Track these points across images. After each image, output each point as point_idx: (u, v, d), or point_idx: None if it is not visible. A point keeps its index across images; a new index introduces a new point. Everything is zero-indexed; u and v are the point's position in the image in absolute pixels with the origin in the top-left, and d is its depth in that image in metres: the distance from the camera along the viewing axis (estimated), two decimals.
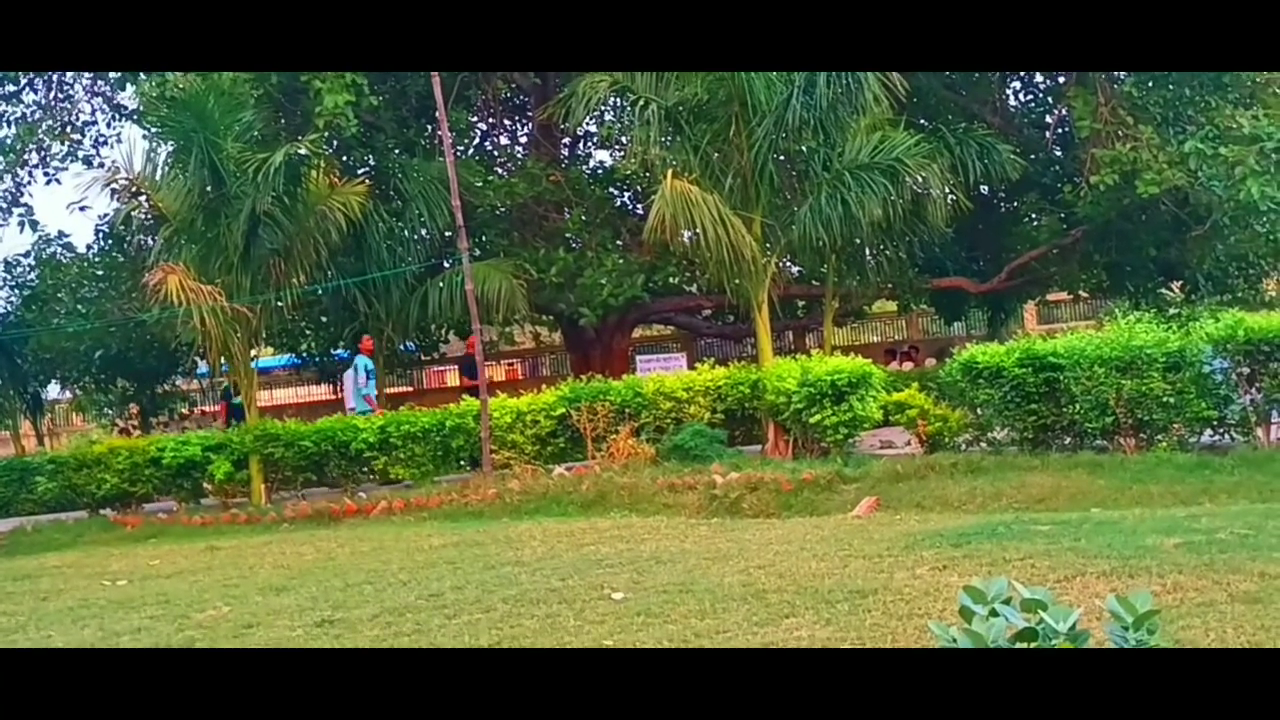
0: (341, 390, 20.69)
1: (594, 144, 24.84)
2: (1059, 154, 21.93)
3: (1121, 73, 19.86)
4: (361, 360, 18.21)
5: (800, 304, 23.22)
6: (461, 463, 15.47)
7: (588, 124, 21.70)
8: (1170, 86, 19.11)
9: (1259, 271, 21.98)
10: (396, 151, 20.11)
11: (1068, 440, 11.94)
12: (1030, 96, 23.77)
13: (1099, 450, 11.58)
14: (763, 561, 7.87)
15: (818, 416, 12.80)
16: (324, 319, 21.90)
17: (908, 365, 20.96)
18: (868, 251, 18.58)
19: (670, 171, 14.43)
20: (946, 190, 16.92)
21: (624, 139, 20.90)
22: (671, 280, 21.49)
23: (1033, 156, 20.83)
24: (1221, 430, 11.40)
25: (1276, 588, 5.60)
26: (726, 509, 11.50)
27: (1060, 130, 21.67)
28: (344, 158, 19.50)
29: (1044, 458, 11.44)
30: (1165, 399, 11.10)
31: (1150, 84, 19.26)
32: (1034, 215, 22.44)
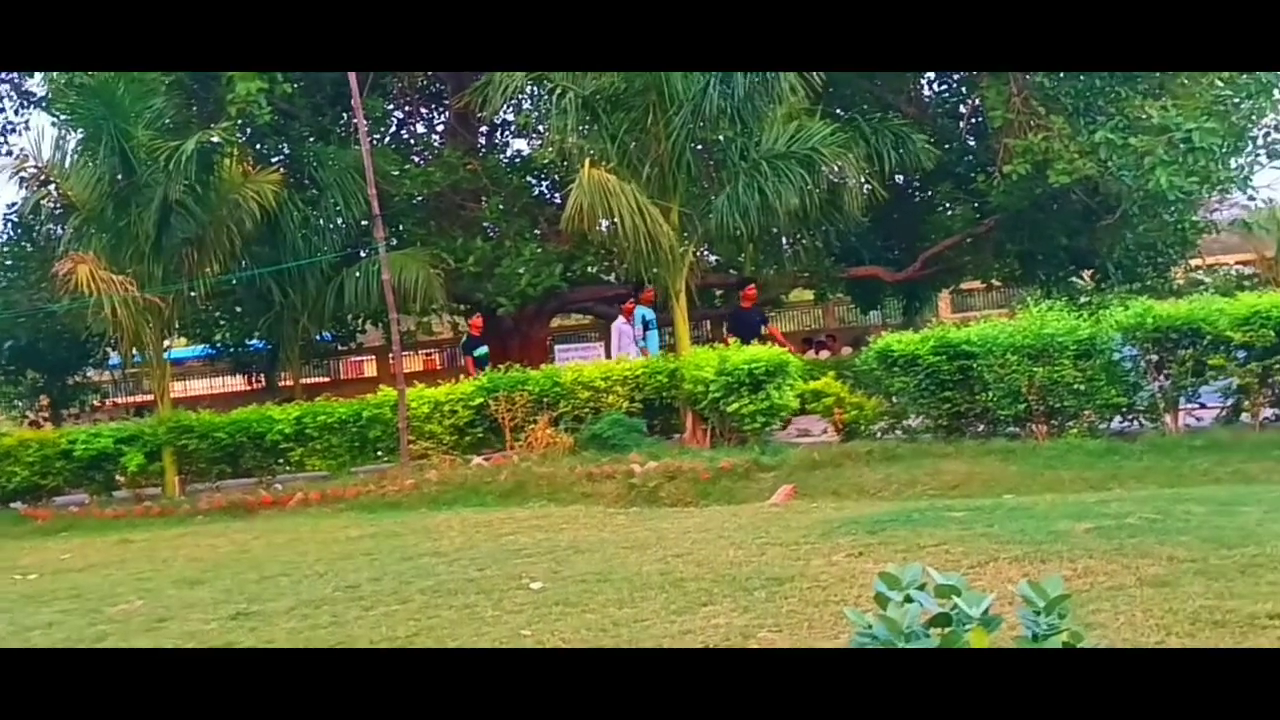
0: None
1: (511, 132, 24.74)
2: (973, 144, 22.20)
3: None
4: (641, 311, 17.63)
5: (718, 293, 23.29)
6: (379, 454, 15.34)
7: (505, 112, 21.59)
8: (1081, 78, 19.39)
9: (1167, 260, 22.39)
10: (311, 139, 19.86)
11: (981, 427, 12.10)
12: (944, 87, 24.01)
13: (1012, 437, 11.74)
14: (680, 550, 7.87)
15: (735, 405, 12.85)
16: (238, 309, 21.57)
17: (824, 354, 21.14)
18: (784, 241, 18.71)
19: (588, 160, 14.39)
20: (862, 179, 17.05)
21: (541, 127, 20.84)
22: (590, 269, 21.48)
23: (947, 146, 21.05)
24: (1131, 416, 11.61)
25: (1184, 571, 5.70)
26: (645, 498, 11.51)
27: (974, 120, 21.94)
28: (257, 146, 19.21)
29: (958, 445, 11.58)
30: (1076, 386, 11.28)
31: (1061, 75, 19.55)
32: (948, 204, 22.72)
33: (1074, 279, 21.57)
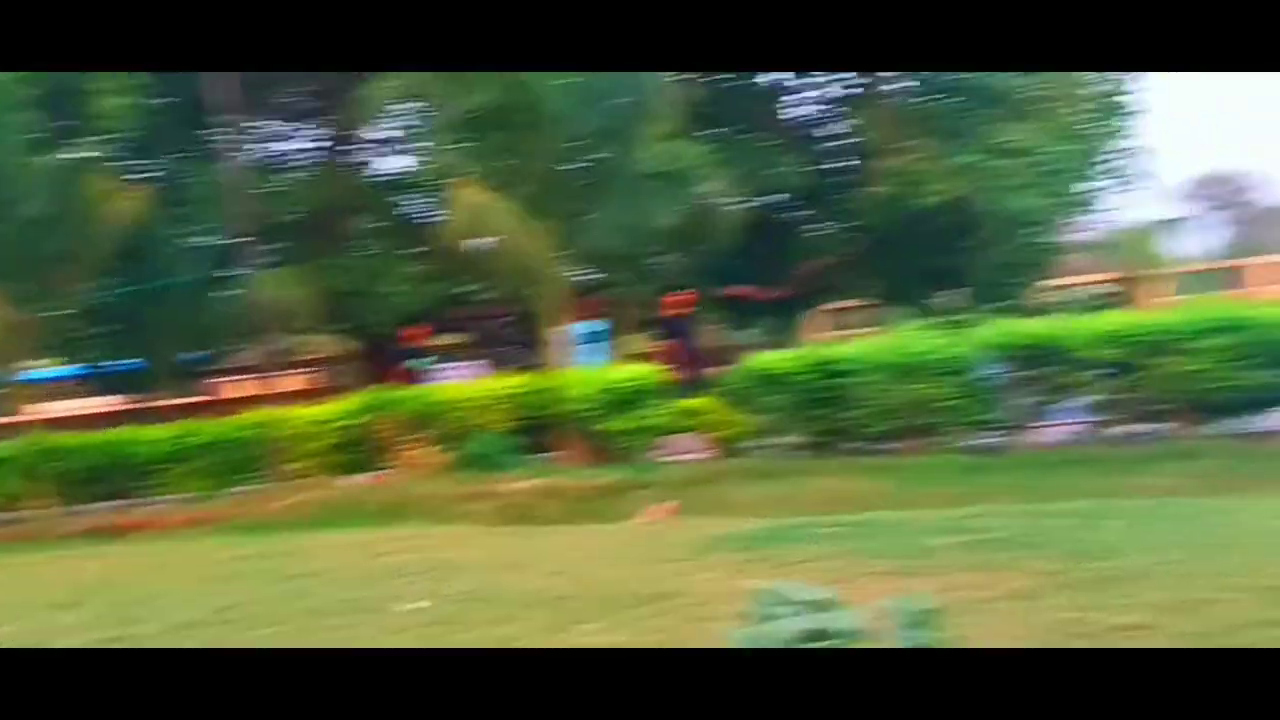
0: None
1: (388, 149, 24.49)
2: (843, 165, 22.58)
3: (901, 87, 20.65)
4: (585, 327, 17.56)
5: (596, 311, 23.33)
6: (255, 474, 15.03)
7: (381, 128, 21.38)
8: (948, 102, 19.93)
9: (1029, 279, 23.03)
10: (181, 155, 19.41)
11: (852, 444, 12.30)
12: (816, 108, 24.40)
13: (883, 453, 11.96)
14: (559, 568, 7.86)
15: (613, 423, 12.89)
16: (109, 328, 20.96)
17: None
18: (659, 258, 18.79)
19: (465, 179, 14.31)
20: (735, 199, 17.24)
21: (419, 145, 20.68)
22: (467, 288, 21.33)
23: (818, 167, 21.40)
24: (996, 432, 11.91)
25: (1046, 583, 5.87)
26: (523, 516, 11.47)
27: (844, 141, 22.33)
28: (126, 161, 18.73)
29: (830, 461, 11.76)
30: (943, 403, 11.55)
31: (928, 99, 20.05)
32: (820, 224, 23.07)
33: (940, 298, 22.05)
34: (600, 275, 20.66)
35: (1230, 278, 40.87)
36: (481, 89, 15.01)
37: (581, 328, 17.08)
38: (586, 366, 15.93)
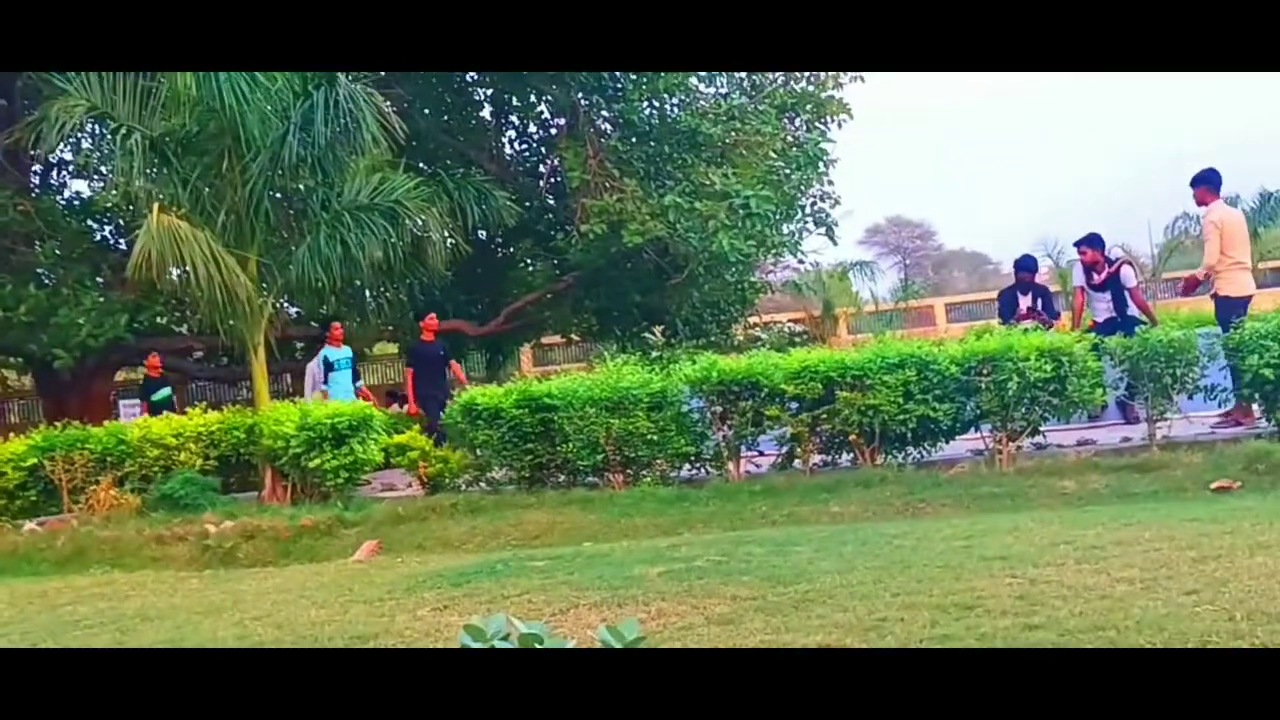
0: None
1: (70, 173, 23.26)
2: (552, 202, 22.94)
3: (608, 128, 21.17)
4: (325, 352, 16.67)
5: (299, 346, 22.80)
6: None
7: (62, 150, 20.29)
8: (652, 143, 20.55)
9: (729, 317, 23.96)
10: None
11: (562, 477, 12.42)
12: (525, 146, 24.71)
13: (591, 486, 12.13)
14: (260, 612, 7.64)
15: (317, 461, 12.60)
16: None
17: (409, 407, 21.07)
18: (368, 293, 18.58)
19: (157, 205, 13.69)
20: (446, 234, 17.22)
21: (105, 169, 19.73)
22: (159, 320, 20.50)
23: (528, 204, 21.67)
24: (698, 465, 12.25)
25: (746, 609, 6.11)
26: (221, 559, 11.06)
27: (553, 179, 22.69)
28: None
29: (540, 495, 11.84)
30: (649, 436, 11.81)
31: (634, 140, 20.62)
32: (529, 261, 23.35)
33: (647, 334, 22.64)
34: (306, 308, 20.25)
35: (916, 316, 43.69)
36: (176, 112, 14.47)
37: (334, 354, 16.58)
38: (336, 396, 15.51)
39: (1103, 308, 13.47)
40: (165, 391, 17.92)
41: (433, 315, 17.48)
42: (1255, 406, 11.42)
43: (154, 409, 17.04)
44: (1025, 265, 14.79)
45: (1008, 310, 14.23)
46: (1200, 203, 12.37)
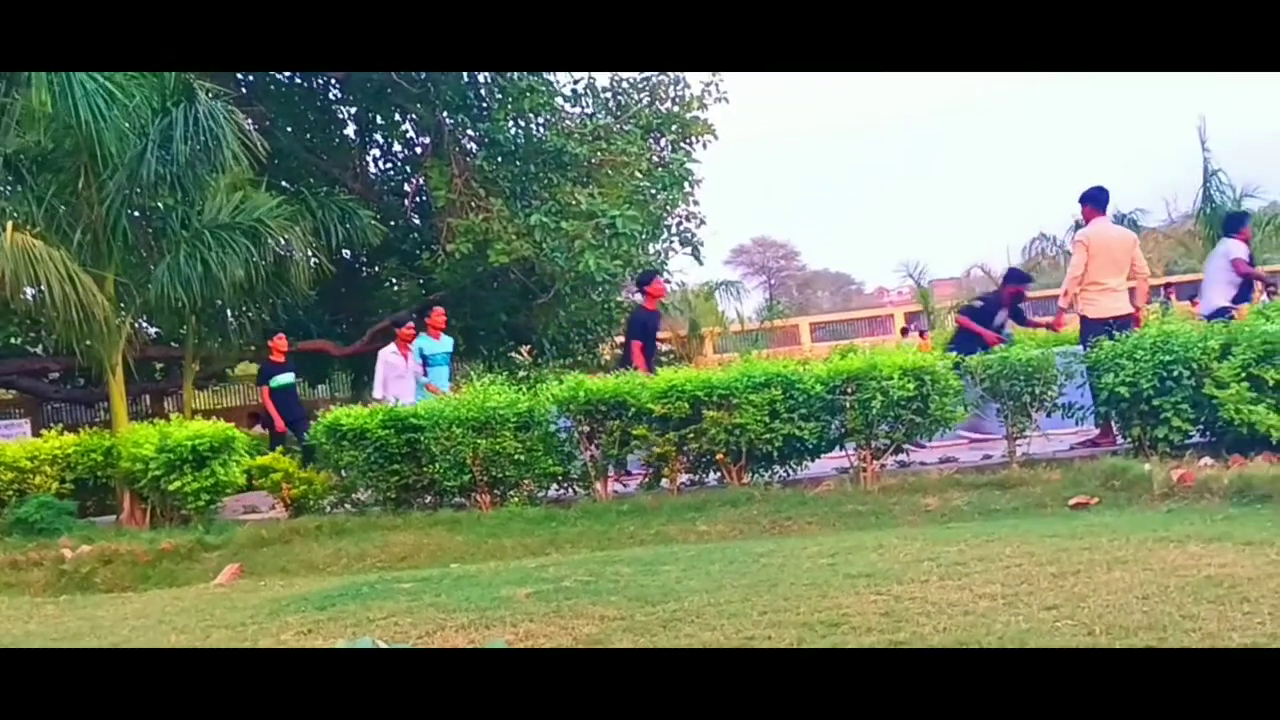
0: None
1: None
2: (418, 221, 22.79)
3: (474, 147, 21.14)
4: (420, 343, 15.15)
5: (159, 366, 22.26)
6: None
7: None
8: (518, 163, 20.56)
9: (596, 337, 24.04)
10: None
11: (429, 499, 12.35)
12: (389, 164, 24.52)
13: (458, 507, 12.07)
14: (118, 638, 7.46)
15: (178, 483, 12.34)
16: None
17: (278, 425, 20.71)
18: (229, 313, 18.23)
19: (10, 224, 13.31)
20: (309, 253, 17.01)
21: None
22: (13, 341, 19.83)
23: (393, 223, 21.51)
24: (566, 485, 12.28)
25: (614, 628, 6.15)
26: (78, 585, 10.76)
27: (418, 199, 22.55)
28: None
29: (406, 516, 11.75)
30: (517, 457, 11.81)
31: (500, 159, 20.61)
32: (395, 280, 23.15)
33: (513, 354, 22.60)
34: (165, 328, 19.79)
35: (781, 336, 44.30)
36: (31, 129, 14.10)
37: (433, 346, 15.35)
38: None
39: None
40: (288, 377, 17.19)
41: (281, 335, 16.97)
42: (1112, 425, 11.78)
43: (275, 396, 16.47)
44: (1016, 278, 14.92)
45: (987, 319, 14.26)
46: (1086, 220, 12.68)
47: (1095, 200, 12.51)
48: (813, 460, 11.90)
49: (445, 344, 15.34)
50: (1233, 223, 14.00)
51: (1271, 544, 6.81)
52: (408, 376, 15.14)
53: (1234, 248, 13.54)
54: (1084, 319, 12.35)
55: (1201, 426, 10.97)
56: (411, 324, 15.59)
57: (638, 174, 21.43)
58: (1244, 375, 10.52)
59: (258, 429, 18.42)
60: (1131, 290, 12.57)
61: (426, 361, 15.05)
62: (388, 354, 15.47)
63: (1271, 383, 10.44)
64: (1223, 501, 8.77)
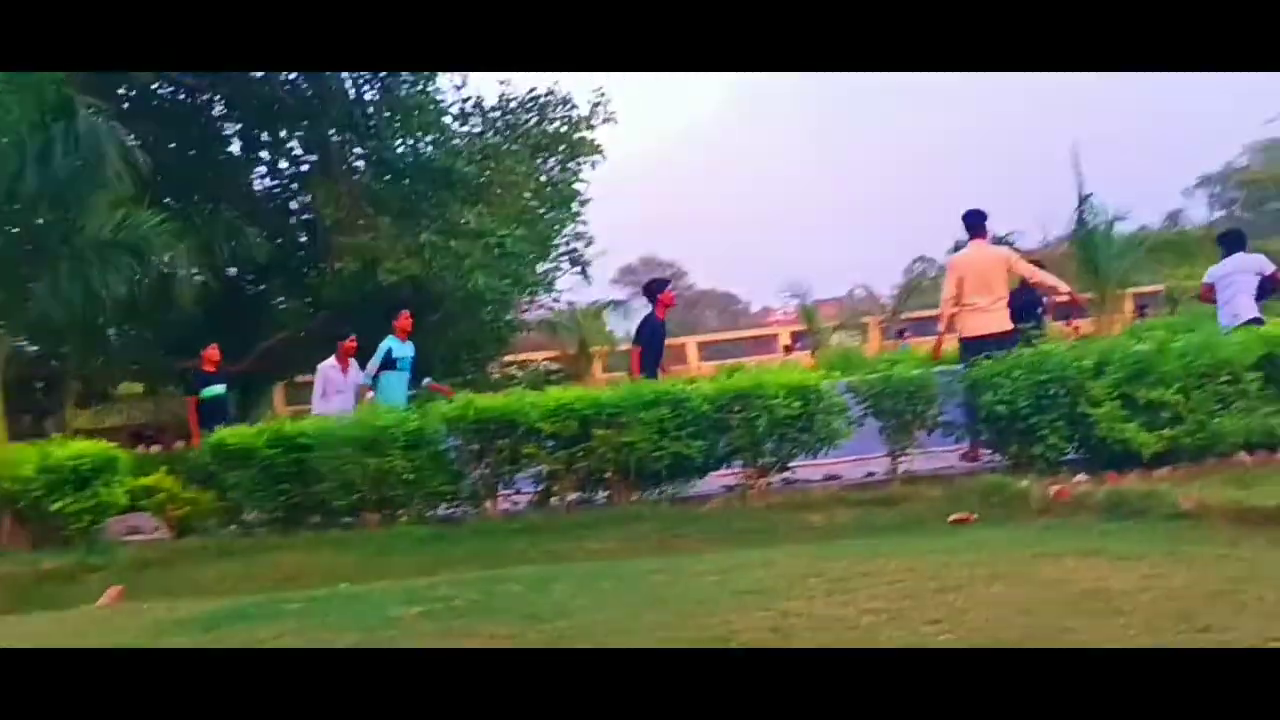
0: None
1: None
2: (305, 239, 22.58)
3: (361, 165, 21.04)
4: (388, 344, 14.60)
5: (39, 385, 21.71)
6: None
7: None
8: (406, 181, 20.52)
9: (486, 355, 24.01)
10: None
11: (317, 518, 12.25)
12: (276, 182, 24.26)
13: (346, 527, 11.99)
14: None
15: (59, 504, 12.09)
16: None
17: (156, 448, 20.33)
18: (112, 331, 17.89)
19: None
20: (194, 271, 16.78)
21: None
22: None
23: (279, 241, 21.27)
24: (455, 503, 12.27)
25: (504, 647, 6.20)
26: None
27: (305, 217, 22.35)
28: None
29: (294, 537, 11.64)
30: (406, 476, 11.78)
31: (388, 178, 20.55)
32: (282, 298, 22.87)
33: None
34: (46, 346, 19.35)
35: (670, 355, 44.50)
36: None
37: (401, 349, 15.05)
38: (389, 399, 14.34)
39: None
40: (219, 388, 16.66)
41: (214, 346, 16.42)
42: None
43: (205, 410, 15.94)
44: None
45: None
46: (970, 241, 13.09)
47: (970, 223, 12.89)
48: (701, 478, 12.04)
49: (409, 348, 15.15)
50: (1237, 240, 14.33)
51: (1143, 558, 7.07)
52: (348, 390, 14.99)
53: (1261, 261, 13.86)
54: (962, 339, 12.68)
55: (1077, 444, 11.32)
56: (354, 338, 15.37)
57: (526, 193, 21.53)
58: (1117, 394, 10.92)
59: (141, 448, 18.08)
60: (1032, 302, 13.38)
61: (395, 364, 14.79)
62: (326, 368, 15.28)
63: (1143, 401, 10.85)
64: (1097, 517, 9.00)
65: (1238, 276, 13.88)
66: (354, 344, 15.23)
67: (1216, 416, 10.80)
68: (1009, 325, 12.55)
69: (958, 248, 13.30)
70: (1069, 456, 11.29)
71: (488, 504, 12.00)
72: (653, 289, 15.14)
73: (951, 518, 9.81)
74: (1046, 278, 13.39)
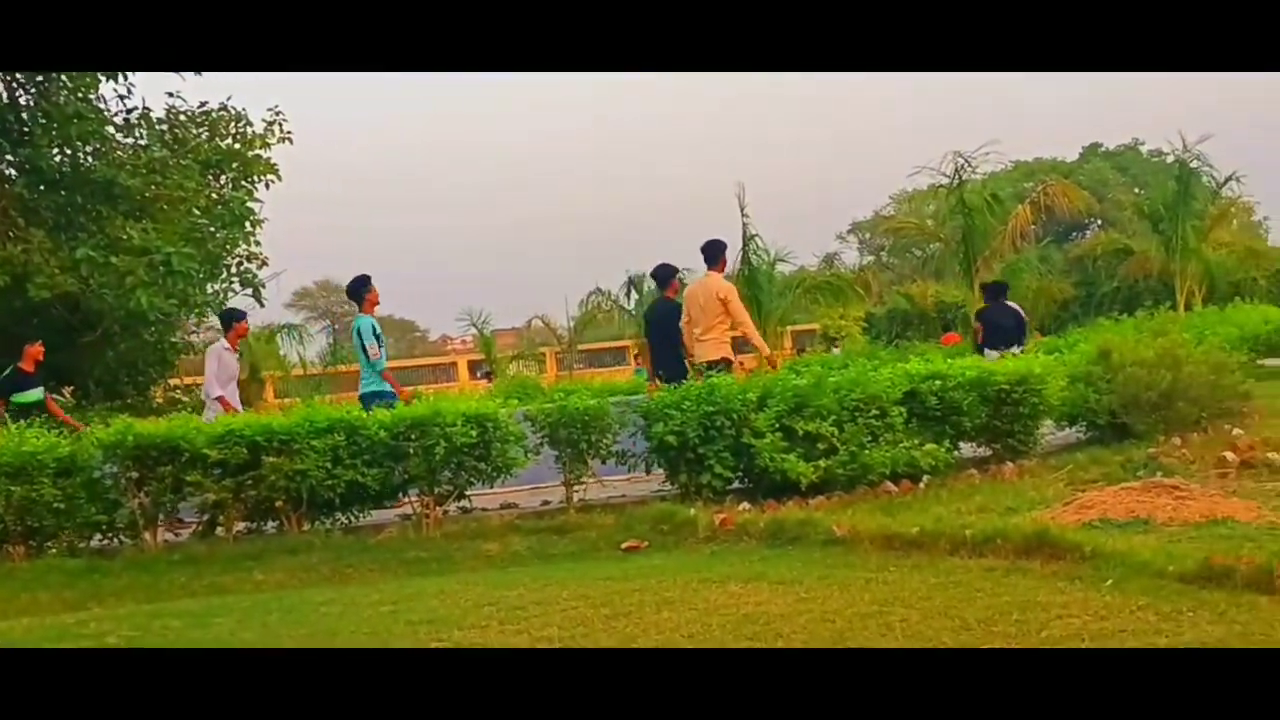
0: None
1: None
2: None
3: (13, 173, 19.68)
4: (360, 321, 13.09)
5: None
6: None
7: None
8: (63, 192, 19.36)
9: (148, 378, 22.86)
10: None
11: None
12: None
13: None
14: None
15: None
16: None
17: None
18: None
19: None
20: None
21: None
22: None
23: None
24: (111, 534, 11.61)
25: None
26: None
27: None
28: None
29: None
30: (56, 505, 11.06)
31: (42, 187, 19.33)
32: None
33: (55, 395, 21.08)
34: None
35: (345, 381, 43.72)
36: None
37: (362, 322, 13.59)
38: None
39: None
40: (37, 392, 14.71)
41: (39, 343, 15.41)
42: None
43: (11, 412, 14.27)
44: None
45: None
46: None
47: (707, 253, 13.65)
48: (376, 507, 11.87)
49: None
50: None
51: (800, 583, 7.47)
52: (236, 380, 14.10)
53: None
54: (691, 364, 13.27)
55: (741, 473, 11.83)
56: (245, 319, 14.64)
57: (195, 210, 20.66)
58: (778, 426, 11.49)
59: None
60: (1019, 323, 16.84)
61: (378, 341, 13.61)
62: (221, 350, 14.22)
63: (801, 433, 11.45)
64: (759, 544, 9.42)
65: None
66: (246, 326, 14.85)
67: (866, 448, 11.52)
68: (716, 355, 13.28)
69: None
70: (734, 485, 11.77)
71: (146, 535, 11.39)
72: (664, 277, 14.70)
73: (624, 545, 10.04)
74: (752, 331, 13.98)
